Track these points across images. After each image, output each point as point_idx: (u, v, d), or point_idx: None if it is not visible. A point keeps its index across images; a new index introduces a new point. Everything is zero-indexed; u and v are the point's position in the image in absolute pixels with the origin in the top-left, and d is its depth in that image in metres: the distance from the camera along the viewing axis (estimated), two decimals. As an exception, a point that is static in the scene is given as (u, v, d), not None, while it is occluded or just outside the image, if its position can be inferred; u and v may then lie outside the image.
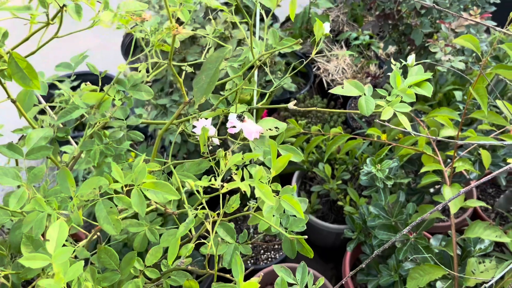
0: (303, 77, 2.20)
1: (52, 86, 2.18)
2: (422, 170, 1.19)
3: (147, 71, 0.72)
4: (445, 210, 1.88)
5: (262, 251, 1.70)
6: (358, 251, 1.70)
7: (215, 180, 0.54)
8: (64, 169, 0.54)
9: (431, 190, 1.58)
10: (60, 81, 2.12)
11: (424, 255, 1.22)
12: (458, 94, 1.78)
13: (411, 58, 0.70)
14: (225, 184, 0.53)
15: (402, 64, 0.74)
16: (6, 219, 0.61)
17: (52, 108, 1.06)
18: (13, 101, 0.66)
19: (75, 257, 0.66)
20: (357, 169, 1.81)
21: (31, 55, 0.56)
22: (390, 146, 1.30)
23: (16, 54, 0.51)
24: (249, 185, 0.54)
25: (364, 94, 0.68)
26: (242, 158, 0.60)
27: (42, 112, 1.13)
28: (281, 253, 1.68)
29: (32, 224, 0.54)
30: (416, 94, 1.97)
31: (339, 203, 1.71)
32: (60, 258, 0.48)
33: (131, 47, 2.55)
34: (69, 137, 1.04)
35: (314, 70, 2.19)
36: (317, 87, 2.21)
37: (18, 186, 0.73)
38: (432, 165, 1.17)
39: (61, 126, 0.80)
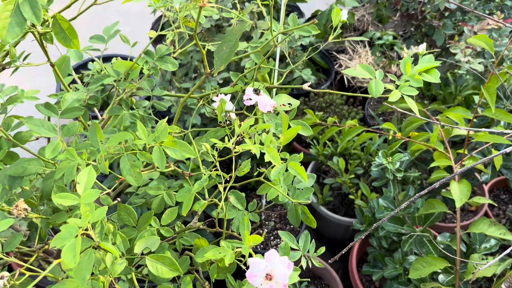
0: (324, 73, 2.24)
1: (81, 66, 2.27)
2: (432, 164, 1.22)
3: (174, 47, 0.78)
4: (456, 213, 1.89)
5: (272, 237, 1.75)
6: (365, 245, 1.74)
7: (226, 142, 0.59)
8: (95, 124, 0.60)
9: (443, 190, 1.60)
10: (91, 61, 2.22)
11: (428, 248, 1.25)
12: (477, 99, 1.79)
13: (422, 47, 0.74)
14: (237, 146, 0.58)
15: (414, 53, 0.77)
16: (40, 169, 0.67)
17: (83, 83, 1.13)
18: (52, 65, 0.72)
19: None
20: (370, 165, 1.84)
21: (72, 20, 0.63)
22: (402, 140, 1.33)
23: (59, 16, 0.57)
24: (259, 150, 0.60)
25: (375, 78, 0.73)
26: (255, 128, 0.65)
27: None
28: (290, 241, 1.73)
29: (64, 171, 0.60)
30: (435, 95, 1.98)
31: (351, 196, 1.75)
32: (88, 198, 0.54)
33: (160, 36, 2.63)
34: (97, 111, 1.11)
35: (336, 67, 2.23)
36: (337, 84, 2.25)
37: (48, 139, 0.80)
38: (442, 160, 1.20)
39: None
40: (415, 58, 1.96)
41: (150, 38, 0.72)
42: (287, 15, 2.16)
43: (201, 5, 0.54)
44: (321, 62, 2.20)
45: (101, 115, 1.78)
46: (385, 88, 0.74)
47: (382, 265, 1.52)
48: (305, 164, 1.84)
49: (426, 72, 0.72)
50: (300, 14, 2.38)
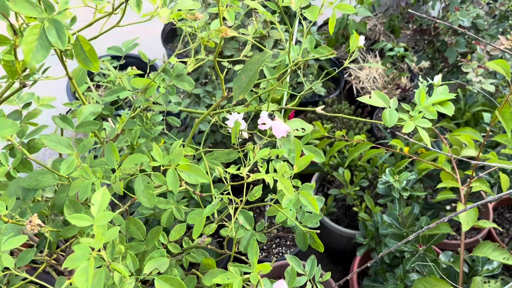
0: (334, 82, 2.24)
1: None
2: (439, 185, 1.23)
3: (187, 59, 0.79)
4: (459, 229, 1.89)
5: (274, 245, 1.76)
6: (367, 257, 1.74)
7: (242, 170, 0.59)
8: (111, 144, 0.61)
9: (448, 207, 1.61)
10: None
11: (431, 268, 1.25)
12: (486, 116, 1.79)
13: (438, 78, 0.75)
14: (251, 174, 0.59)
15: (429, 83, 0.78)
16: (53, 182, 0.68)
17: (96, 88, 1.13)
18: (70, 78, 0.73)
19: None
20: (376, 178, 1.84)
21: (93, 40, 0.63)
22: (410, 159, 1.33)
23: (81, 38, 0.58)
24: (273, 178, 0.60)
25: (389, 107, 0.73)
26: (269, 154, 0.65)
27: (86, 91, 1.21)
28: (292, 250, 1.74)
29: (79, 189, 0.61)
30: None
31: (355, 208, 1.75)
32: (102, 220, 0.55)
33: (171, 35, 2.63)
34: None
35: (345, 76, 2.23)
36: (346, 93, 2.25)
37: (60, 155, 0.80)
38: (449, 182, 1.20)
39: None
40: (426, 73, 1.96)
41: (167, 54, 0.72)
42: (299, 22, 2.16)
43: (223, 36, 0.55)
44: (331, 71, 2.20)
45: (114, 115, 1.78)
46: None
47: (383, 279, 1.53)
48: (310, 174, 1.84)
49: (441, 104, 0.72)
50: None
